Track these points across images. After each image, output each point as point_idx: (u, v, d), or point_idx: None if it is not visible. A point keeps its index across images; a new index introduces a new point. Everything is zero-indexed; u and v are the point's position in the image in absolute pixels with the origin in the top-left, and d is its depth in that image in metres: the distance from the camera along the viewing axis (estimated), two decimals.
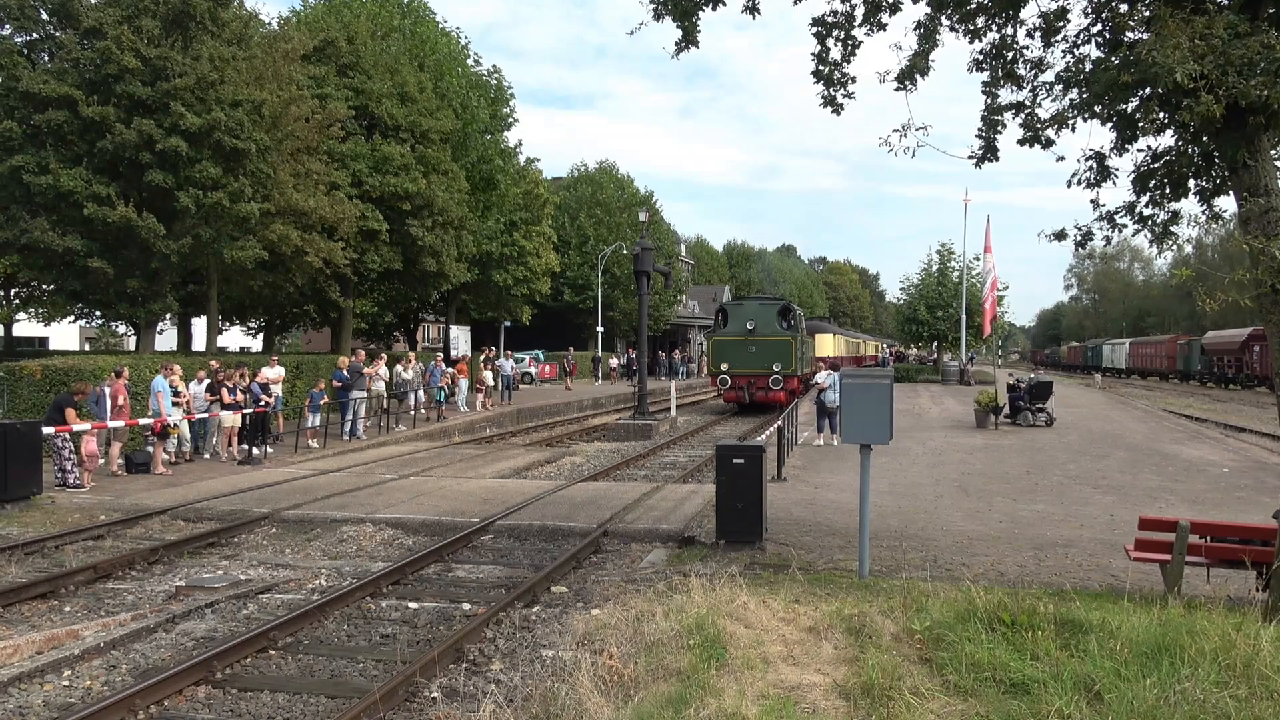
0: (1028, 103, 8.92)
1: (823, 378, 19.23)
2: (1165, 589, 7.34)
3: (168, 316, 26.83)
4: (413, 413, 23.76)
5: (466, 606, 8.14)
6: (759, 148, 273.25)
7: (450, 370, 27.13)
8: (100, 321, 32.27)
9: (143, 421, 15.22)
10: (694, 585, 7.26)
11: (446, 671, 6.47)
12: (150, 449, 15.20)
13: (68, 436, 13.39)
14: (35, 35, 20.86)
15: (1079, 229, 8.73)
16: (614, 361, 48.60)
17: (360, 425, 20.51)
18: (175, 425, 15.64)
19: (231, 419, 16.93)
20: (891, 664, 5.53)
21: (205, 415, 16.77)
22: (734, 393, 29.13)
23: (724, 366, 28.99)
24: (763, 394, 28.42)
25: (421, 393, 24.26)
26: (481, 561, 9.95)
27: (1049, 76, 8.84)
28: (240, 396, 16.85)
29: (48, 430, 13.07)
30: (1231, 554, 7.48)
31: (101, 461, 14.80)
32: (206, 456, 17.03)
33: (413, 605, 8.21)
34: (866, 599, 7.11)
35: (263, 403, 17.37)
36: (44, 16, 20.72)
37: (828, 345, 46.88)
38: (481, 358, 31.37)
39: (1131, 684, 5.00)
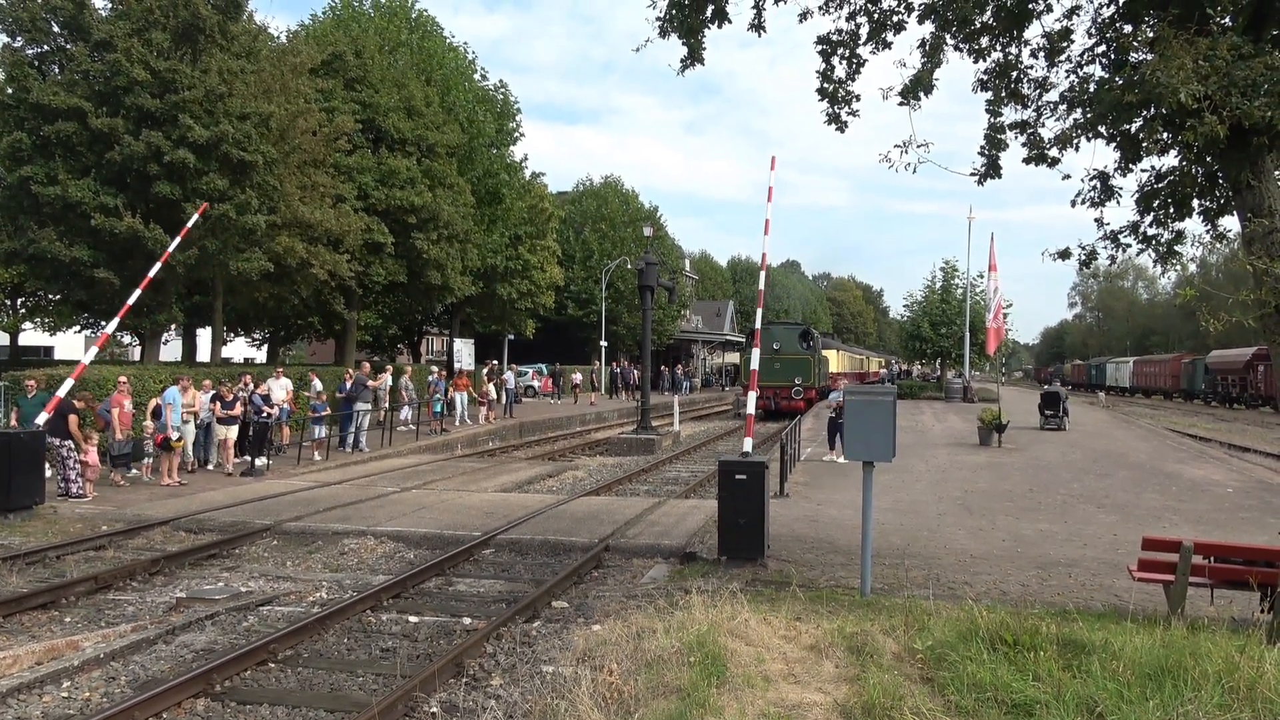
0: (1031, 122, 8.97)
1: (836, 395, 19.37)
2: (1169, 610, 7.30)
3: (173, 327, 26.94)
4: (415, 425, 23.77)
5: (467, 621, 8.12)
6: (764, 163, 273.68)
7: (452, 383, 27.17)
8: None
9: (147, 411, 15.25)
10: (695, 602, 7.23)
11: (446, 686, 6.45)
12: (149, 460, 15.18)
13: (73, 446, 13.40)
14: (46, 47, 20.97)
15: (1083, 248, 8.75)
16: (576, 376, 43.97)
17: (363, 437, 20.51)
18: (179, 439, 15.51)
19: (224, 431, 16.85)
20: (893, 683, 5.50)
21: (209, 421, 16.80)
22: (763, 400, 34.68)
23: None
24: (786, 402, 35.38)
25: (406, 409, 24.35)
26: (483, 575, 9.92)
27: (1053, 96, 8.90)
28: (238, 410, 16.79)
29: (52, 439, 13.09)
30: (1236, 575, 7.43)
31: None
32: (210, 467, 17.03)
33: (413, 619, 8.19)
34: (868, 617, 7.09)
35: (264, 414, 17.35)
36: (55, 29, 20.87)
37: (832, 362, 47.13)
38: (485, 371, 31.39)
39: (1134, 706, 4.97)
